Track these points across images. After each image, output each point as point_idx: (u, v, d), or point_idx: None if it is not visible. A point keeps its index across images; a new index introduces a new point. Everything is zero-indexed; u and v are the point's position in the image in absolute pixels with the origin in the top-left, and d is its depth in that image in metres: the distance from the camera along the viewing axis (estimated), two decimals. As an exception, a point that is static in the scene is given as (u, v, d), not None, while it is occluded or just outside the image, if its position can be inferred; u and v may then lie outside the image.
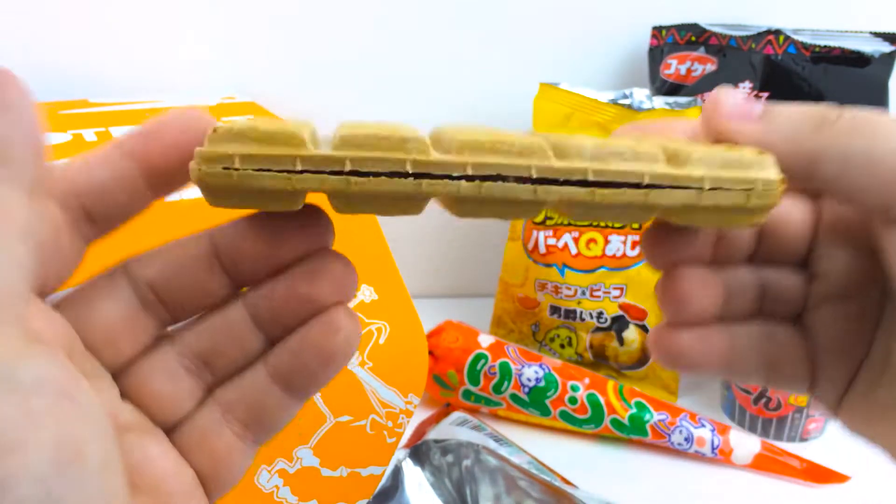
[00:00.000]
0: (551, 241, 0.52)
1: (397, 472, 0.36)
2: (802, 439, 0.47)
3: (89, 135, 0.40)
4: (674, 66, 0.58)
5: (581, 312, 0.53)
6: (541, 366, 0.47)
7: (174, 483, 0.17)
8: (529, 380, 0.47)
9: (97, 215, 0.17)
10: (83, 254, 0.17)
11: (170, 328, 0.19)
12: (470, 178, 0.16)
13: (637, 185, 0.17)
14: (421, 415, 0.45)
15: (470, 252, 0.66)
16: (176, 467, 0.18)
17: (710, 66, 0.57)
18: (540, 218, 0.52)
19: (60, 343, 0.16)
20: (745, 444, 0.45)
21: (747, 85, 0.54)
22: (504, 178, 0.17)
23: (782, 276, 0.22)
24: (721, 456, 0.45)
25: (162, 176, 0.17)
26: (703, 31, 0.57)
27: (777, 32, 0.54)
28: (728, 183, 0.18)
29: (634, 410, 0.46)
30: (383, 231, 0.38)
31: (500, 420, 0.48)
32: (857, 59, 0.52)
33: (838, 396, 0.22)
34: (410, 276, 0.38)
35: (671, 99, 0.50)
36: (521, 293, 0.55)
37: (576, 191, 0.17)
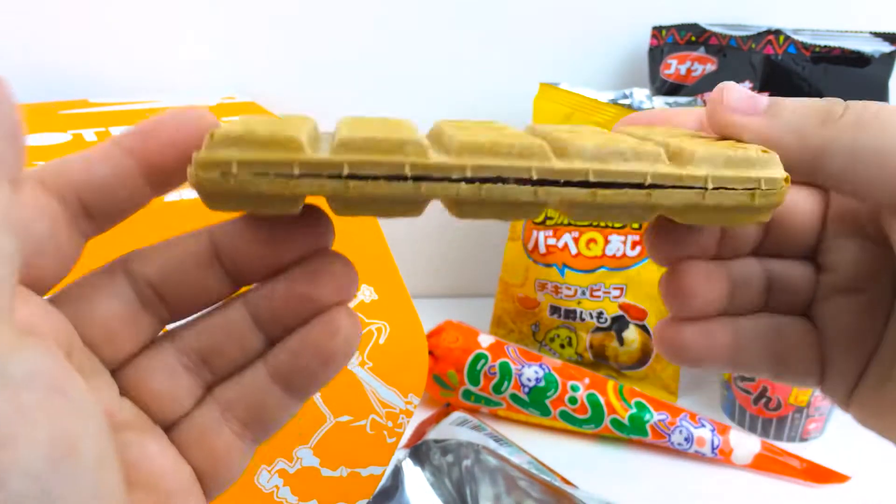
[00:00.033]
0: (551, 241, 0.52)
1: (397, 472, 0.36)
2: (802, 439, 0.47)
3: (89, 135, 0.40)
4: (674, 66, 0.58)
5: (581, 312, 0.53)
6: (541, 366, 0.47)
7: (172, 480, 0.17)
8: (529, 380, 0.47)
9: (96, 211, 0.17)
10: (81, 249, 0.17)
11: (169, 326, 0.19)
12: (469, 181, 0.16)
13: (639, 186, 0.17)
14: (421, 415, 0.45)
15: (470, 252, 0.66)
16: (174, 465, 0.18)
17: (710, 66, 0.57)
18: (540, 218, 0.52)
19: (58, 338, 0.16)
20: (745, 444, 0.45)
21: (747, 85, 0.54)
22: (504, 180, 0.16)
23: (790, 268, 0.22)
24: (721, 456, 0.45)
25: (161, 173, 0.17)
26: (703, 31, 0.57)
27: (777, 32, 0.54)
28: (732, 182, 0.17)
29: (634, 410, 0.46)
30: (383, 231, 0.38)
31: (500, 420, 0.48)
32: (857, 59, 0.52)
33: (849, 390, 0.21)
34: (410, 276, 0.38)
35: (671, 99, 0.50)
36: (521, 293, 0.55)
37: (577, 192, 0.17)
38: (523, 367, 0.47)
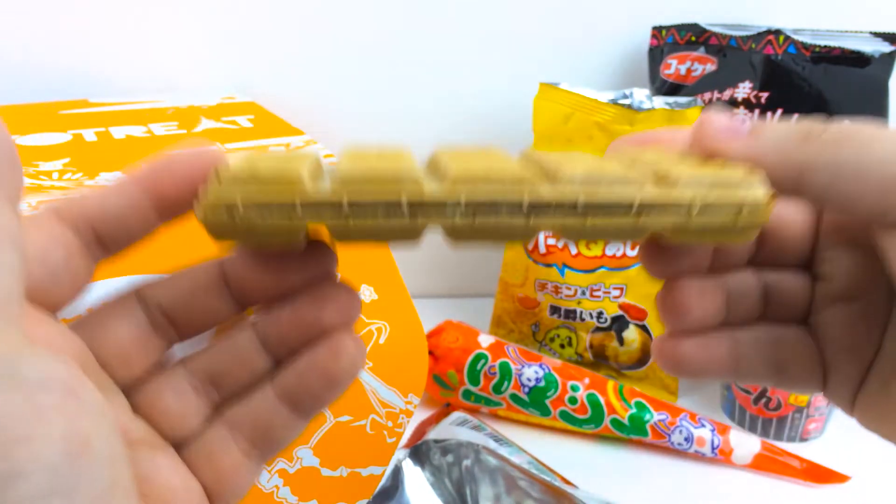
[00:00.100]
0: (551, 241, 0.52)
1: (397, 472, 0.36)
2: (802, 439, 0.47)
3: (89, 135, 0.40)
4: (674, 66, 0.58)
5: (581, 312, 0.53)
6: (541, 366, 0.47)
7: (182, 496, 0.18)
8: (529, 380, 0.47)
9: (108, 239, 0.18)
10: (93, 274, 0.18)
11: (177, 345, 0.20)
12: (464, 210, 0.17)
13: (628, 209, 0.18)
14: (421, 415, 0.45)
15: (470, 252, 0.66)
16: (184, 482, 0.18)
17: (710, 66, 0.57)
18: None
19: (73, 357, 0.17)
20: (745, 444, 0.45)
21: (747, 85, 0.54)
22: (497, 207, 0.17)
23: (786, 278, 0.22)
24: (721, 456, 0.45)
25: (170, 206, 0.18)
26: (703, 31, 0.57)
27: (777, 32, 0.54)
28: (717, 203, 0.18)
29: (634, 410, 0.46)
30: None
31: (500, 420, 0.48)
32: (857, 59, 0.52)
33: (852, 395, 0.22)
34: (410, 276, 0.38)
35: (671, 99, 0.50)
36: (521, 293, 0.55)
37: (568, 217, 0.17)
38: (523, 367, 0.47)
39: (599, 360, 0.54)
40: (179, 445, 0.19)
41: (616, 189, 0.17)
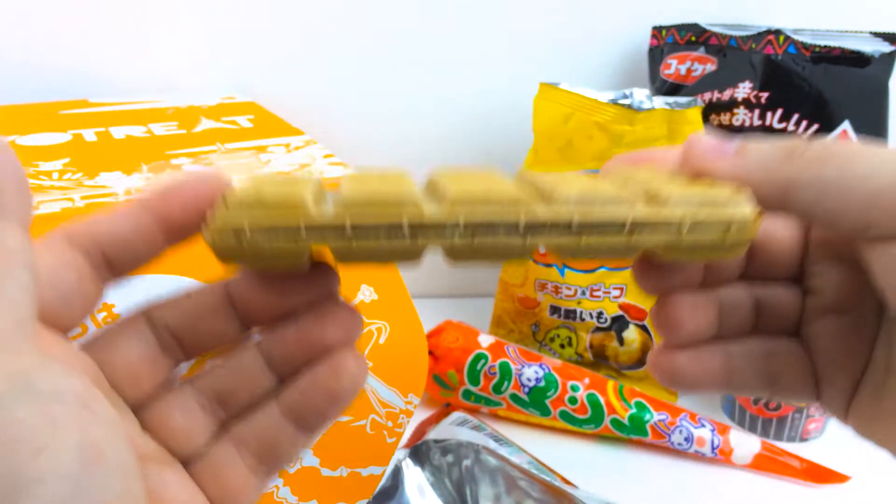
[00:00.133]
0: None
1: (397, 472, 0.36)
2: (802, 439, 0.47)
3: (89, 135, 0.40)
4: (674, 66, 0.58)
5: (581, 312, 0.53)
6: (541, 366, 0.47)
7: None
8: (529, 380, 0.47)
9: (116, 262, 0.19)
10: (102, 295, 0.19)
11: (183, 363, 0.20)
12: (463, 231, 0.18)
13: (621, 227, 0.18)
14: (421, 415, 0.45)
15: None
16: (192, 497, 0.19)
17: (710, 66, 0.57)
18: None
19: (84, 374, 0.17)
20: (745, 444, 0.45)
21: (747, 85, 0.54)
22: (495, 228, 0.18)
23: (777, 292, 0.23)
24: (721, 456, 0.45)
25: (177, 230, 0.19)
26: (703, 31, 0.57)
27: (777, 32, 0.54)
28: (706, 221, 0.19)
29: (634, 410, 0.46)
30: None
31: (500, 420, 0.48)
32: (857, 59, 0.52)
33: (845, 404, 0.22)
34: (410, 276, 0.38)
35: (671, 99, 0.50)
36: (521, 293, 0.55)
37: (563, 236, 0.18)
38: (523, 367, 0.47)
39: (599, 360, 0.54)
40: (187, 462, 0.19)
41: (609, 208, 0.18)
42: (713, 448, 0.45)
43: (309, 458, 0.32)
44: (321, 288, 0.20)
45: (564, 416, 0.46)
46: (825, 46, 0.52)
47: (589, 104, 0.50)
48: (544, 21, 0.60)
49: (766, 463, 0.44)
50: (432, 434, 0.40)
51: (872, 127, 0.52)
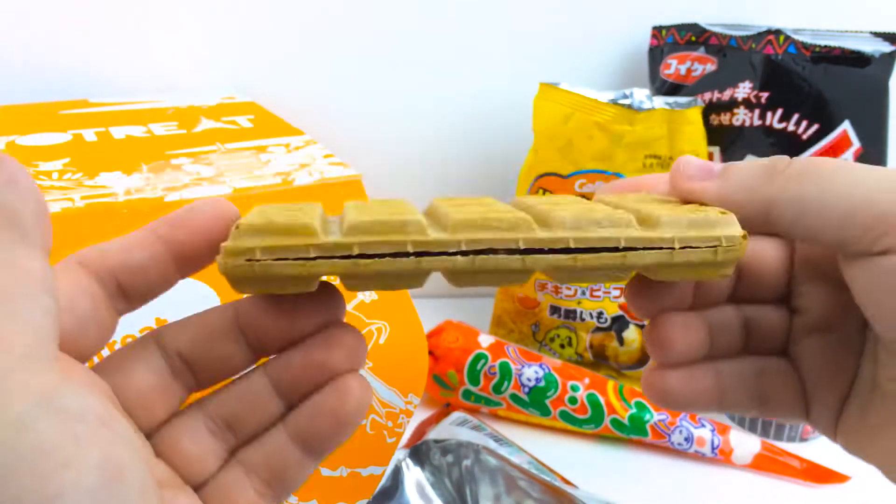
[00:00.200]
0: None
1: (397, 472, 0.36)
2: (802, 439, 0.47)
3: (89, 135, 0.40)
4: (674, 66, 0.58)
5: (581, 312, 0.53)
6: (541, 366, 0.47)
7: None
8: (529, 380, 0.47)
9: (130, 291, 0.19)
10: (116, 324, 0.19)
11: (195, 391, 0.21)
12: (464, 253, 0.18)
13: (615, 249, 0.19)
14: (421, 415, 0.45)
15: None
16: None
17: (710, 66, 0.57)
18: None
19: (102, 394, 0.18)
20: (745, 444, 0.45)
21: (747, 85, 0.54)
22: (495, 251, 0.18)
23: (765, 312, 0.24)
24: (721, 456, 0.45)
25: (188, 259, 0.19)
26: (703, 31, 0.57)
27: (777, 32, 0.54)
28: (696, 242, 0.19)
29: (634, 410, 0.46)
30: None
31: (500, 420, 0.48)
32: (857, 59, 0.52)
33: (833, 422, 0.23)
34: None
35: (671, 99, 0.50)
36: (521, 293, 0.55)
37: (560, 258, 0.19)
38: (523, 367, 0.47)
39: (599, 360, 0.54)
40: (197, 487, 0.20)
41: (603, 231, 0.19)
42: (713, 448, 0.45)
43: (309, 458, 0.31)
44: (328, 313, 0.20)
45: (564, 416, 0.46)
46: (825, 46, 0.52)
47: (589, 104, 0.50)
48: (544, 21, 0.60)
49: (766, 463, 0.44)
50: (432, 434, 0.40)
51: (872, 127, 0.52)
